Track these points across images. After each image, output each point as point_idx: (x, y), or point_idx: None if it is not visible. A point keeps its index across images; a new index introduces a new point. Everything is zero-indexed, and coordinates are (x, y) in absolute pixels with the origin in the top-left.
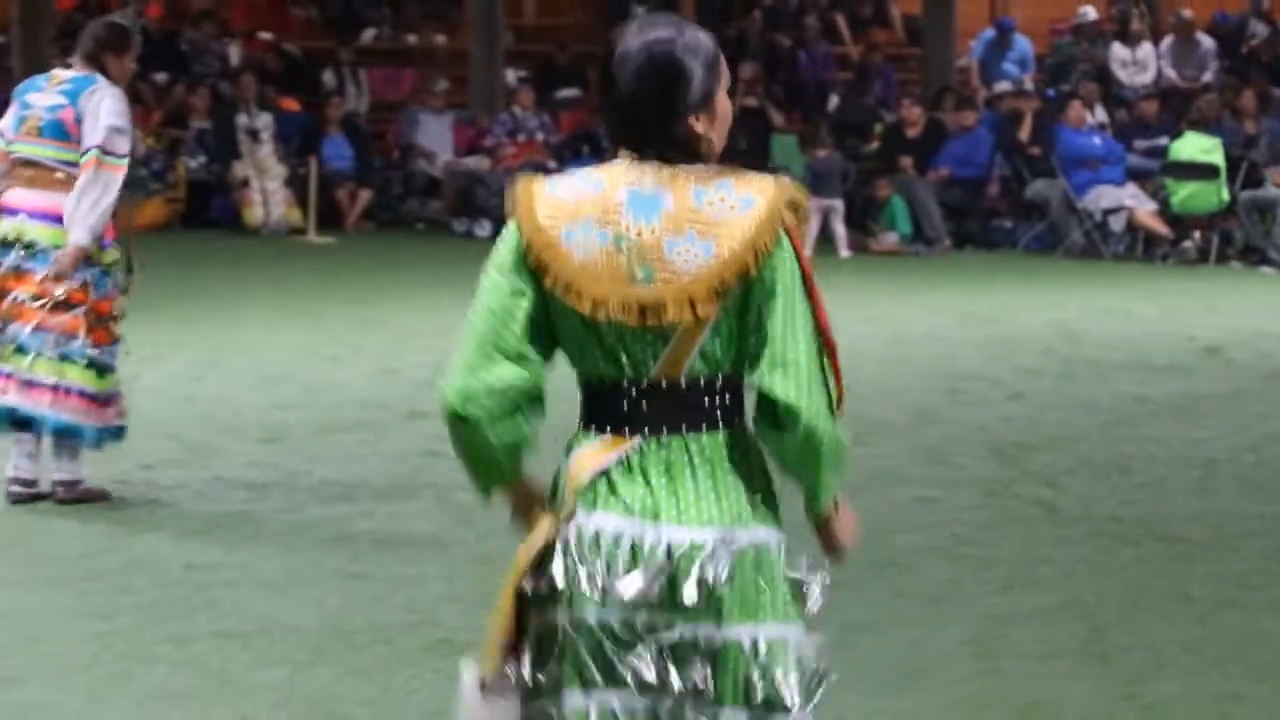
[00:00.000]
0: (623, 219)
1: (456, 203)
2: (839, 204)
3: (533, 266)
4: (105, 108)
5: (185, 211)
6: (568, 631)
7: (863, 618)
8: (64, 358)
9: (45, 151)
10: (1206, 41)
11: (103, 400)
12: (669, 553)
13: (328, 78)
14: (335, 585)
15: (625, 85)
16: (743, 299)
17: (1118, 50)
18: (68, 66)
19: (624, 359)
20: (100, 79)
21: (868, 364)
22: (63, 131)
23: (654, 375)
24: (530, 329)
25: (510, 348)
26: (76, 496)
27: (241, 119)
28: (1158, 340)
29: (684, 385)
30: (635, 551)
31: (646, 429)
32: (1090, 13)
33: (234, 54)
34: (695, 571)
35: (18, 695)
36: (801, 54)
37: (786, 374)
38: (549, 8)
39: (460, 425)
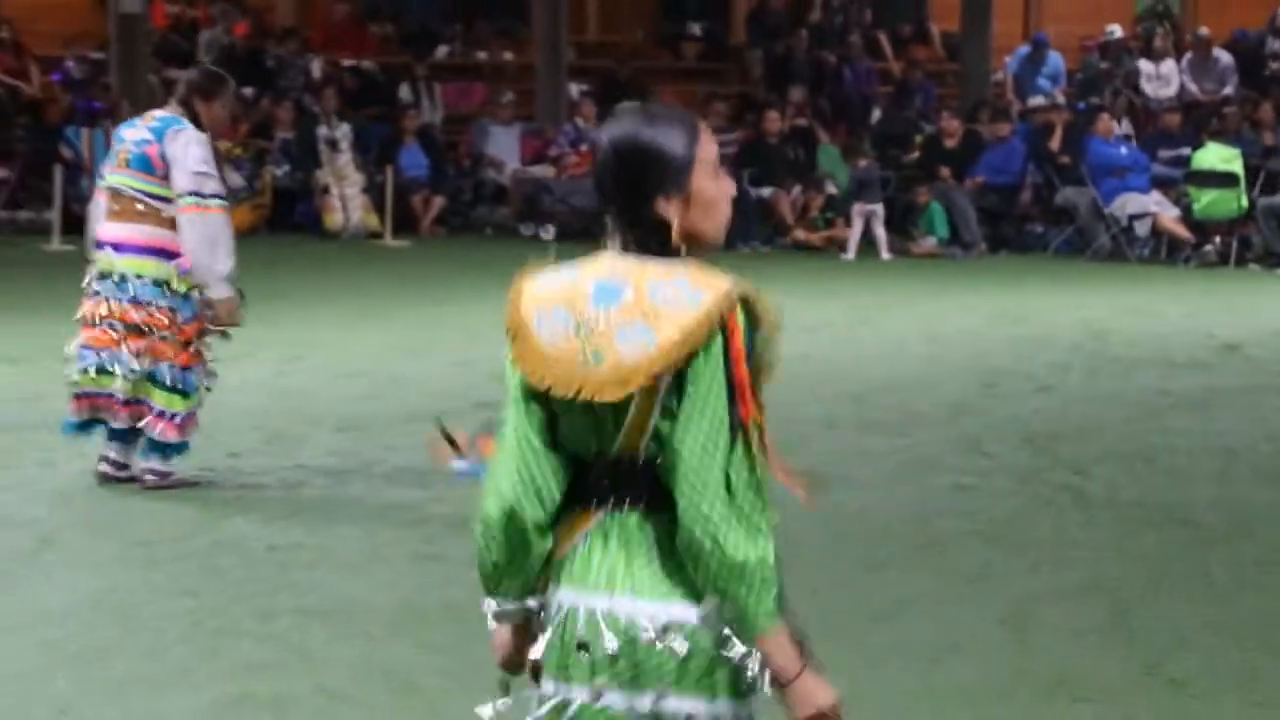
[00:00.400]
0: (587, 308)
1: (523, 208)
2: (879, 209)
3: (512, 355)
4: (191, 155)
5: (271, 216)
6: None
7: (905, 595)
8: (149, 378)
9: (130, 182)
10: (1225, 57)
11: (182, 420)
12: (618, 623)
13: (404, 92)
14: (410, 565)
15: (598, 174)
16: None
17: (1143, 65)
18: (167, 83)
19: (591, 437)
20: (185, 123)
21: (907, 361)
22: (148, 164)
23: (616, 451)
24: (552, 455)
25: (541, 485)
26: (167, 485)
27: (322, 130)
28: (1180, 338)
29: (642, 462)
30: (589, 623)
31: (610, 502)
32: (1116, 30)
33: (316, 68)
34: (645, 642)
35: (114, 667)
36: (846, 70)
37: (673, 476)
38: (610, 26)
39: (516, 524)
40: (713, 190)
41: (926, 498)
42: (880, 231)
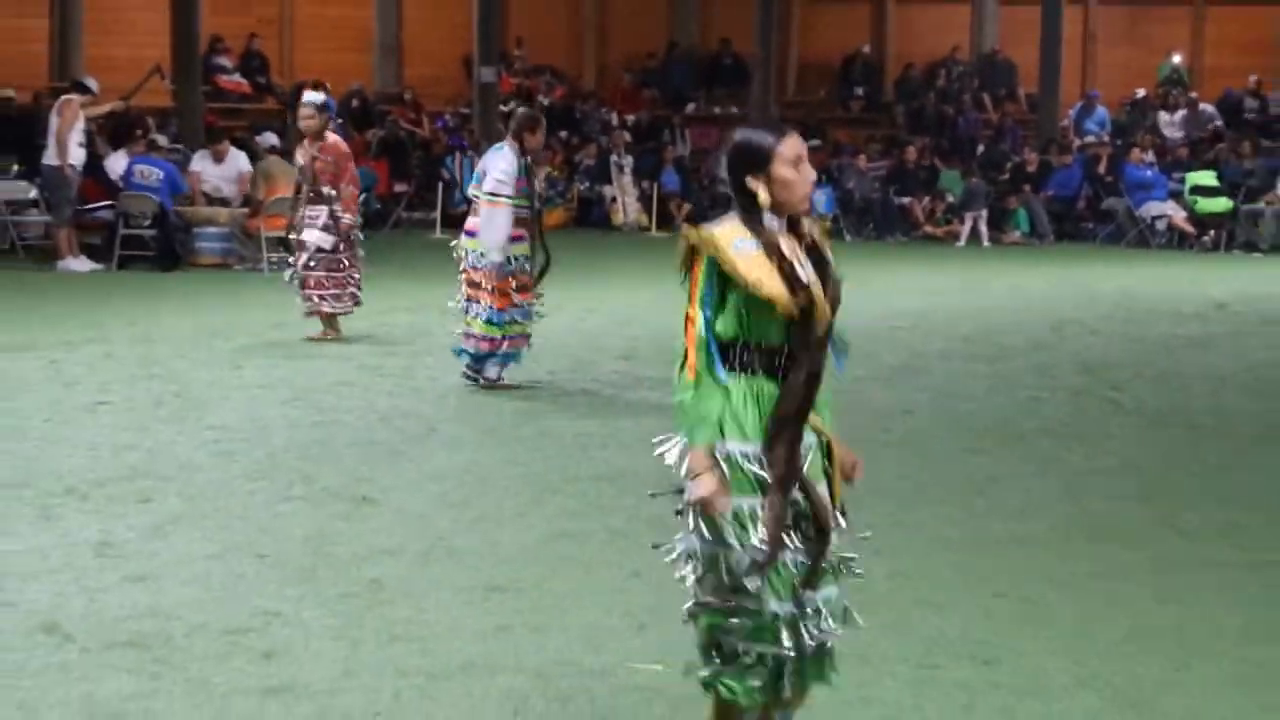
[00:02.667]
0: None
1: None
2: (984, 213)
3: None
4: (497, 167)
5: (576, 217)
6: None
7: (996, 473)
8: (472, 314)
9: (474, 191)
10: (1210, 109)
11: (494, 341)
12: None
13: (665, 134)
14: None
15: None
16: None
17: (1162, 115)
18: (505, 117)
19: None
20: (506, 146)
21: (1000, 313)
22: (479, 178)
23: None
24: None
25: None
26: (495, 386)
27: (614, 158)
28: (1187, 299)
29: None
30: None
31: None
32: (1141, 92)
33: (614, 119)
34: None
35: (473, 511)
36: (960, 119)
37: None
38: (802, 89)
39: None
40: (789, 175)
41: (1011, 405)
42: (983, 228)
